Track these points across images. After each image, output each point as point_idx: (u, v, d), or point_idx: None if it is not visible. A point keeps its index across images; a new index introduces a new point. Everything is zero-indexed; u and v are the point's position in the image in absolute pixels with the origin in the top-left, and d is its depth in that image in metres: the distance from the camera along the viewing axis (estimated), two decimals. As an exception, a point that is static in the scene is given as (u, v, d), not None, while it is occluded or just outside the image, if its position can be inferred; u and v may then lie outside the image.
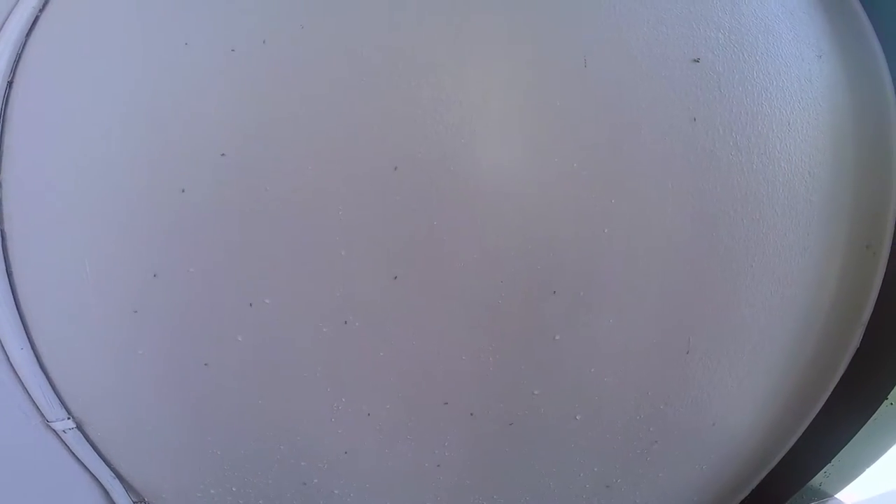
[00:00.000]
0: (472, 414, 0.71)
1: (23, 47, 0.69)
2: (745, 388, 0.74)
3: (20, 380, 0.74)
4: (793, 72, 0.66)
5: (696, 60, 0.63)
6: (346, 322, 0.63)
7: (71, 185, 0.66)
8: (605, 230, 0.63)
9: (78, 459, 0.84)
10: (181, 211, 0.64)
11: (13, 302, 0.69)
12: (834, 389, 0.76)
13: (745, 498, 0.89)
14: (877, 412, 0.74)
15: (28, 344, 0.72)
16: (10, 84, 0.68)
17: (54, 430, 0.79)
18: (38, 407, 0.77)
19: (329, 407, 0.69)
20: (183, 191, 0.63)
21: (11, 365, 0.72)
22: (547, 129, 0.59)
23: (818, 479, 0.83)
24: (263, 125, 0.61)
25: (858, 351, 0.73)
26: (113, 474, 0.87)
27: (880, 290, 0.68)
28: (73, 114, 0.66)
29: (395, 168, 0.59)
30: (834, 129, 0.64)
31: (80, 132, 0.66)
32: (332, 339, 0.65)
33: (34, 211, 0.67)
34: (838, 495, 0.88)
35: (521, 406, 0.71)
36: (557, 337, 0.65)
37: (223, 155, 0.61)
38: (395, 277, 0.63)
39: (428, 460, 0.76)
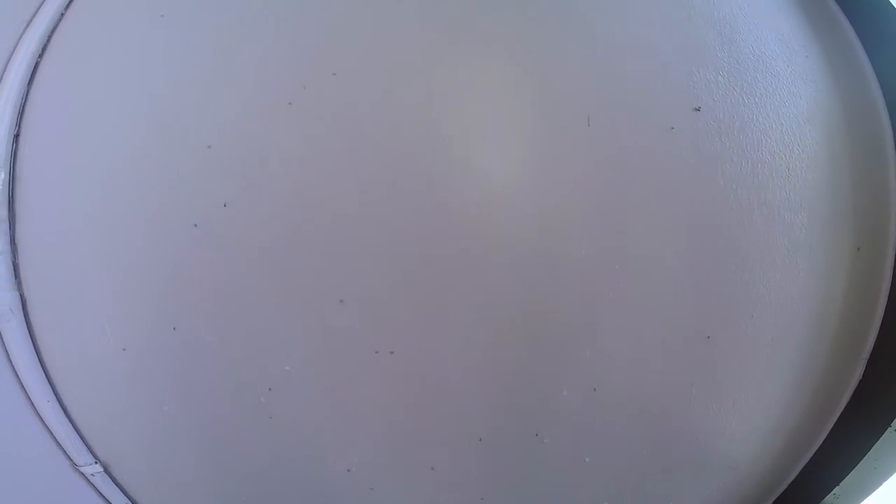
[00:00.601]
0: (480, 439, 0.73)
1: (26, 96, 0.71)
2: (755, 415, 0.75)
3: (48, 429, 0.77)
4: (790, 111, 0.67)
5: (697, 109, 0.64)
6: (377, 352, 0.65)
7: (88, 233, 0.67)
8: (609, 295, 0.64)
9: (106, 500, 0.87)
10: (197, 255, 0.65)
11: (37, 358, 0.72)
12: (838, 418, 0.78)
13: None
14: (882, 436, 0.75)
15: (54, 396, 0.75)
16: (16, 137, 0.69)
17: (83, 474, 0.83)
18: (66, 453, 0.80)
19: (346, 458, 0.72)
20: (196, 225, 0.64)
21: (40, 416, 0.75)
22: (551, 190, 0.61)
23: (828, 501, 0.84)
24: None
25: (861, 382, 0.74)
26: (139, 512, 0.91)
27: (881, 327, 0.70)
28: (84, 159, 0.67)
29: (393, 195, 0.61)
30: (831, 172, 0.65)
31: (90, 183, 0.67)
32: (360, 375, 0.67)
33: (51, 271, 0.69)
34: None
35: (528, 436, 0.72)
36: (564, 393, 0.67)
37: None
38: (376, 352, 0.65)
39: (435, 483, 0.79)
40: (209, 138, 0.63)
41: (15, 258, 0.68)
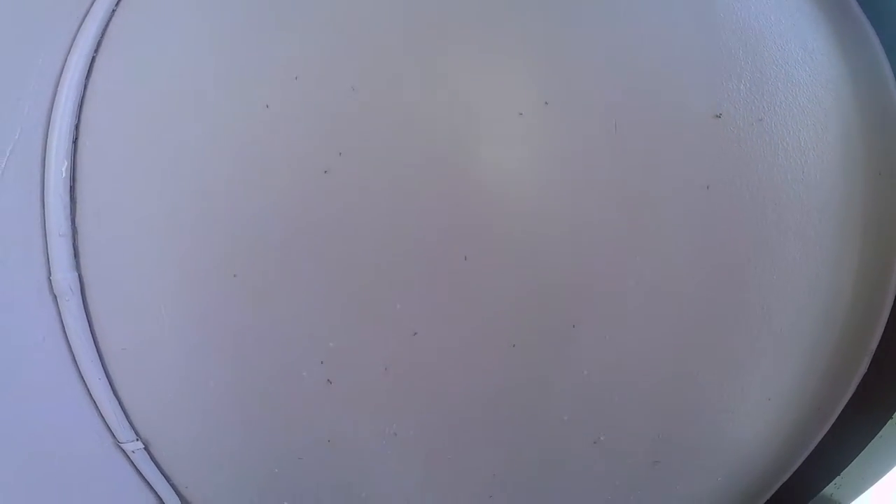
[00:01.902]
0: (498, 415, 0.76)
1: (85, 89, 0.74)
2: (760, 406, 0.79)
3: (97, 406, 0.81)
4: (809, 120, 0.70)
5: (719, 116, 0.68)
6: (415, 333, 0.69)
7: (143, 228, 0.71)
8: (631, 283, 0.68)
9: (143, 478, 0.91)
10: (251, 240, 0.69)
11: (92, 337, 0.76)
12: (842, 410, 0.82)
13: None
14: (885, 427, 0.80)
15: (104, 375, 0.79)
16: (76, 127, 0.73)
17: (123, 451, 0.87)
18: (110, 429, 0.84)
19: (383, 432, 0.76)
20: (253, 212, 0.68)
21: (90, 393, 0.79)
22: (573, 189, 0.65)
23: (829, 490, 0.88)
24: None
25: (866, 375, 0.79)
26: (173, 491, 0.94)
27: (887, 322, 0.75)
28: (144, 155, 0.71)
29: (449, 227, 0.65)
30: (845, 176, 0.70)
31: (148, 173, 0.71)
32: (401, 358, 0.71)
33: (109, 254, 0.73)
34: None
35: (540, 421, 0.76)
36: (585, 372, 0.71)
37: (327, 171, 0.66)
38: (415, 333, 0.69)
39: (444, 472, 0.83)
40: (263, 126, 0.67)
41: (75, 241, 0.72)
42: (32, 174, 0.71)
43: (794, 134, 0.70)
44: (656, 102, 0.67)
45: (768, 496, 0.93)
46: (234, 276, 0.68)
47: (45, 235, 0.70)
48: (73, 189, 0.72)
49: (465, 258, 0.66)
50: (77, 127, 0.74)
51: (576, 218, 0.67)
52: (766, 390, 0.77)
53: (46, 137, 0.72)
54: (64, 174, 0.72)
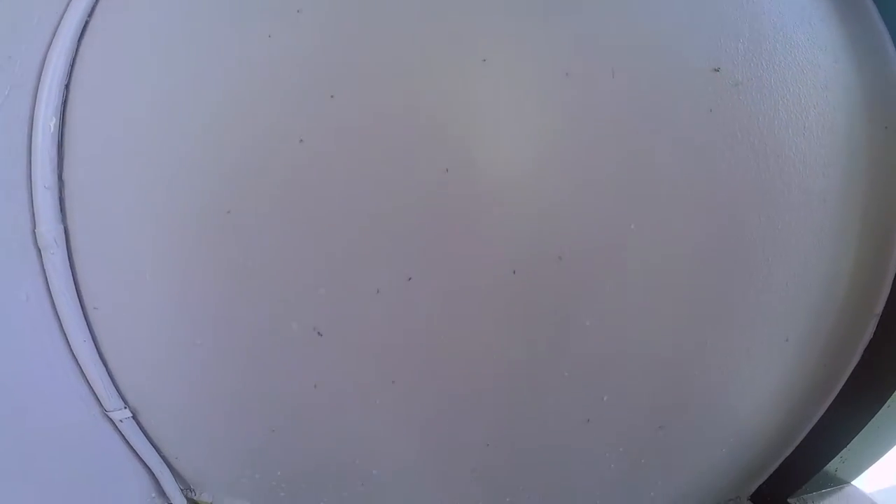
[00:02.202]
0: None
1: (77, 50, 0.74)
2: (763, 373, 0.77)
3: (82, 371, 0.79)
4: (808, 79, 0.70)
5: (717, 70, 0.67)
6: (410, 279, 0.67)
7: (132, 182, 0.70)
8: (631, 226, 0.67)
9: (131, 448, 0.89)
10: (235, 192, 0.68)
11: (77, 296, 0.74)
12: (847, 379, 0.80)
13: (763, 483, 0.93)
14: (890, 399, 0.77)
15: (90, 337, 0.77)
16: (67, 86, 0.73)
17: (111, 420, 0.84)
18: (97, 397, 0.82)
19: (372, 400, 0.74)
20: (228, 212, 0.67)
21: (75, 356, 0.77)
22: (574, 132, 0.64)
23: (834, 465, 0.86)
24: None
25: (872, 341, 0.77)
26: (163, 462, 0.92)
27: (893, 282, 0.73)
28: (133, 110, 0.70)
29: (446, 170, 0.64)
30: (849, 133, 0.68)
31: (137, 127, 0.70)
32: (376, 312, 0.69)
33: (96, 208, 0.72)
34: (854, 482, 0.92)
35: (549, 385, 0.75)
36: (588, 323, 0.70)
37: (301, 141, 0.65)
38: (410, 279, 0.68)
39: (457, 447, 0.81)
40: (250, 80, 0.66)
41: (62, 193, 0.70)
42: (20, 130, 0.70)
43: (794, 92, 0.69)
44: (656, 54, 0.66)
45: (772, 469, 0.91)
46: (228, 212, 0.67)
47: (30, 189, 0.69)
48: (60, 145, 0.71)
49: (463, 204, 0.65)
50: (67, 86, 0.73)
51: (577, 169, 0.66)
52: (772, 355, 0.76)
53: (36, 95, 0.72)
54: (52, 130, 0.71)
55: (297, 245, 0.67)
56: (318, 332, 0.69)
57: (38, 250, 0.69)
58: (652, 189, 0.65)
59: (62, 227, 0.70)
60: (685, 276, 0.68)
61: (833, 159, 0.67)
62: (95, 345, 0.78)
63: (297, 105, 0.65)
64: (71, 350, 0.77)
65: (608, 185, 0.66)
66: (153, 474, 0.94)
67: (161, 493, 0.97)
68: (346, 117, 0.64)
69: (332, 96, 0.64)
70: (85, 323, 0.76)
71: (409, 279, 0.67)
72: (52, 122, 0.71)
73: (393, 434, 0.79)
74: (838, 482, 0.91)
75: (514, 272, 0.67)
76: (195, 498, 0.99)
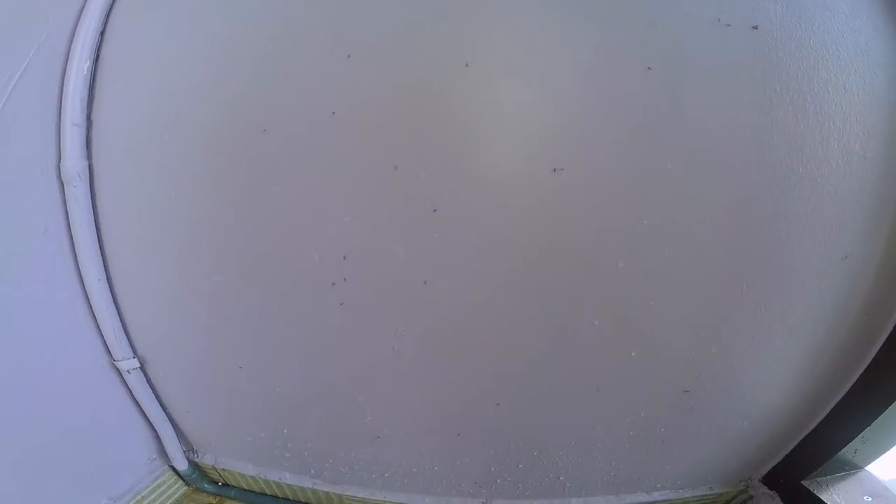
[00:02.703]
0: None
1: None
2: (790, 344, 0.75)
3: (94, 316, 0.78)
4: (849, 42, 0.68)
5: (755, 27, 0.66)
6: (425, 282, 0.68)
7: (159, 128, 0.70)
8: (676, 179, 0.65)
9: (136, 403, 0.88)
10: (259, 158, 0.68)
11: (96, 235, 0.74)
12: (870, 362, 0.77)
13: (777, 464, 0.90)
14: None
15: (105, 277, 0.77)
16: (102, 33, 0.74)
17: (118, 370, 0.84)
18: (107, 345, 0.81)
19: (387, 351, 0.72)
20: (265, 130, 0.67)
21: (88, 298, 0.77)
22: (614, 81, 0.63)
23: (851, 449, 0.82)
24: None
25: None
26: (167, 419, 0.91)
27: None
28: (167, 52, 0.71)
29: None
30: (890, 95, 0.66)
31: (171, 69, 0.70)
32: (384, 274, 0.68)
33: (122, 148, 0.71)
34: (868, 468, 0.88)
35: (577, 336, 0.73)
36: (621, 264, 0.68)
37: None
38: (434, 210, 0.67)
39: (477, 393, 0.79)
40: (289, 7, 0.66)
41: (89, 132, 0.71)
42: (57, 68, 0.71)
43: (834, 53, 0.67)
44: (691, 13, 0.65)
45: (788, 450, 0.88)
46: (265, 130, 0.66)
47: (59, 125, 0.70)
48: (92, 87, 0.72)
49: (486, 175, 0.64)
50: (103, 33, 0.75)
51: (611, 127, 0.65)
52: (794, 338, 0.73)
53: (72, 40, 0.73)
54: (86, 72, 0.72)
55: (325, 175, 0.67)
56: (343, 278, 0.69)
57: (62, 184, 0.70)
58: (687, 142, 0.63)
59: (87, 163, 0.71)
60: (727, 233, 0.67)
61: (873, 119, 0.65)
62: (110, 285, 0.77)
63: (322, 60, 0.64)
64: (84, 291, 0.76)
65: (642, 144, 0.64)
66: (156, 433, 0.92)
67: (162, 453, 0.95)
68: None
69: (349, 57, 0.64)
70: (102, 262, 0.76)
71: (435, 211, 0.66)
72: (87, 65, 0.72)
73: (403, 392, 0.77)
74: (853, 467, 0.87)
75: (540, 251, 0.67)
76: (196, 460, 0.97)
